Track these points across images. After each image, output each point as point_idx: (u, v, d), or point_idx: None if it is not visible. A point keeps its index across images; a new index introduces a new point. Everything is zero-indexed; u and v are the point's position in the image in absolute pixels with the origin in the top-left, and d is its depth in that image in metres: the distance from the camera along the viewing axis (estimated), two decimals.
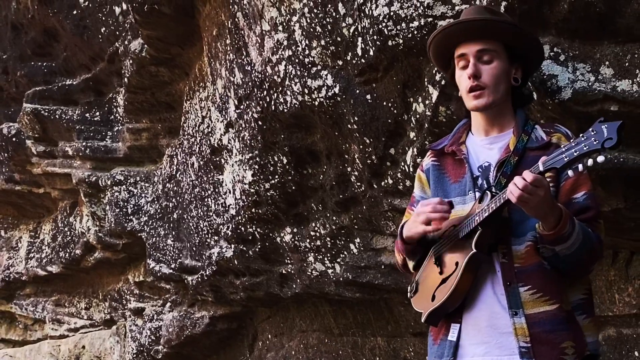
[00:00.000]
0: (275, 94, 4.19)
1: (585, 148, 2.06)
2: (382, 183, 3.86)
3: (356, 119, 3.72)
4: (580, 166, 2.07)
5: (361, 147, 3.82)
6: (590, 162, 2.05)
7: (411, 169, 3.56)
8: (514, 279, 2.28)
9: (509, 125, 2.43)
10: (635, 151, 2.64)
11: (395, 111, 3.51)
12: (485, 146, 2.46)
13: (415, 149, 3.48)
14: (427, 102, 3.27)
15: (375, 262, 4.30)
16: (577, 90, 2.61)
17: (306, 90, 3.91)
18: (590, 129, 2.07)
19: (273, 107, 4.25)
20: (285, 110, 4.14)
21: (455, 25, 2.46)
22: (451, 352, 2.33)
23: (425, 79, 3.23)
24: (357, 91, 3.65)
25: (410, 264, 2.59)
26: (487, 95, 2.38)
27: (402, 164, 3.64)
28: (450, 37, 2.47)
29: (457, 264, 2.34)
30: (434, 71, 3.15)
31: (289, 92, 4.06)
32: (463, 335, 2.34)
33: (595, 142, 2.04)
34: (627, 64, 2.55)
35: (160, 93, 6.40)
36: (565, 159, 2.09)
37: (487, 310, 2.30)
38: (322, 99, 3.85)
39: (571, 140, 2.12)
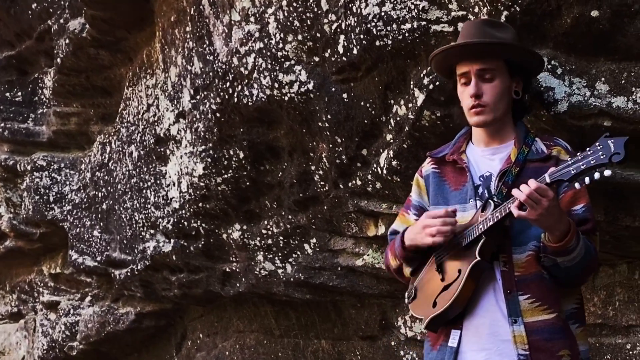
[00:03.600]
0: (240, 86, 4.16)
1: (592, 162, 2.15)
2: (350, 184, 3.89)
3: (329, 117, 3.73)
4: (587, 179, 2.17)
5: (331, 146, 3.84)
6: (597, 175, 2.14)
7: (384, 172, 3.61)
8: (514, 287, 2.36)
9: (510, 137, 2.52)
10: (623, 166, 2.76)
11: (373, 112, 3.55)
12: (486, 157, 2.54)
13: (391, 152, 3.53)
14: (410, 105, 3.32)
15: (332, 263, 4.33)
16: (573, 104, 2.72)
17: (276, 85, 3.90)
18: (597, 144, 2.17)
19: (235, 100, 4.21)
20: (250, 103, 4.11)
21: (455, 47, 2.52)
22: (451, 358, 2.39)
23: (412, 82, 3.28)
24: (333, 89, 3.67)
25: (407, 270, 2.63)
26: (487, 113, 2.47)
27: (374, 165, 3.68)
28: (450, 56, 2.54)
29: (459, 271, 2.40)
30: (421, 74, 3.21)
31: (256, 85, 4.03)
32: (463, 341, 2.40)
33: (602, 157, 2.14)
34: (623, 81, 2.68)
35: (96, 77, 6.21)
36: (572, 172, 2.18)
37: (488, 318, 2.37)
38: (293, 95, 3.84)
39: (578, 154, 2.21)
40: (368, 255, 4.08)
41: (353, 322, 4.57)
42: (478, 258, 2.34)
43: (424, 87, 3.19)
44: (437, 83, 3.13)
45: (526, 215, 2.23)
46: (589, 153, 2.17)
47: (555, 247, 2.29)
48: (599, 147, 2.16)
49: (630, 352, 3.27)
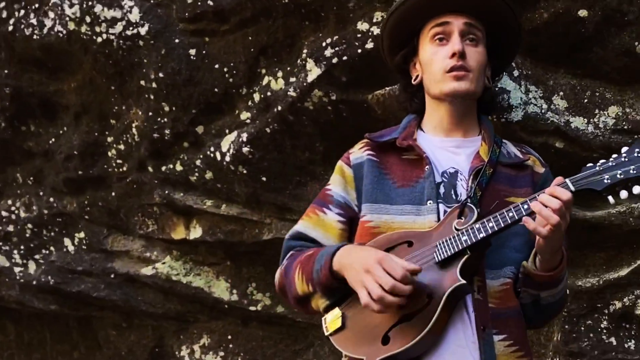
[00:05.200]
0: (24, 11, 3.18)
1: (633, 171, 1.76)
2: (164, 167, 3.12)
3: (161, 75, 2.95)
4: (624, 193, 1.78)
5: (150, 114, 3.05)
6: (638, 189, 1.76)
7: (227, 159, 2.92)
8: (489, 323, 1.87)
9: (474, 131, 2.08)
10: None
11: (230, 79, 2.87)
12: (448, 149, 2.04)
13: (245, 134, 2.86)
14: (293, 79, 2.72)
15: (103, 268, 3.44)
16: (529, 115, 2.38)
17: (88, 19, 3.02)
18: (632, 149, 1.79)
19: (10, 28, 3.22)
20: (36, 37, 3.14)
21: None
22: None
23: (305, 51, 2.68)
24: (177, 40, 2.92)
25: (323, 303, 1.98)
26: (470, 81, 1.98)
27: (212, 148, 2.98)
28: (427, 7, 2.03)
29: (429, 296, 1.84)
30: (324, 43, 2.63)
31: (52, 14, 3.10)
32: None
33: None
34: (585, 100, 2.39)
35: None
36: (607, 181, 1.77)
37: None
38: (112, 37, 3.00)
39: (610, 159, 1.81)
40: (164, 263, 3.30)
41: (110, 346, 3.68)
42: (462, 280, 1.81)
43: (323, 60, 2.62)
44: (345, 58, 2.58)
45: (546, 232, 1.76)
46: (623, 160, 1.77)
47: (546, 276, 1.88)
48: (636, 155, 1.78)
49: None
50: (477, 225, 1.84)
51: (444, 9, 2.00)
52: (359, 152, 2.08)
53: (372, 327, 1.88)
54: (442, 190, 1.96)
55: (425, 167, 1.97)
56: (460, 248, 1.83)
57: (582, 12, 2.28)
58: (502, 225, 1.82)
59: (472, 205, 1.89)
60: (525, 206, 1.80)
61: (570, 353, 2.50)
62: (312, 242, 2.07)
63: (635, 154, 1.76)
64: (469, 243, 1.82)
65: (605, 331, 2.48)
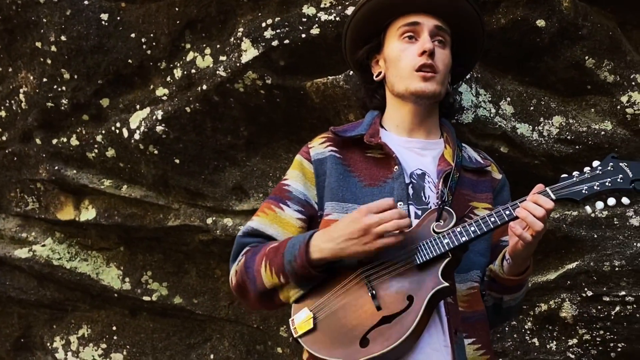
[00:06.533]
0: None
1: (608, 184, 1.86)
2: (55, 140, 2.85)
3: (63, 39, 2.69)
4: (600, 204, 1.87)
5: (45, 80, 2.77)
6: (612, 201, 1.86)
7: (135, 137, 2.72)
8: (460, 327, 1.91)
9: (436, 133, 2.10)
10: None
11: (148, 51, 2.66)
12: (413, 149, 2.05)
13: (160, 112, 2.67)
14: (223, 58, 2.57)
15: None
16: (479, 118, 2.41)
17: None
18: (609, 163, 1.86)
19: None
20: None
21: None
22: None
23: (241, 30, 2.54)
24: (87, 2, 2.67)
25: (296, 294, 1.92)
26: (436, 83, 2.01)
27: (117, 124, 2.75)
28: (397, 4, 2.02)
29: (410, 298, 1.84)
30: (263, 24, 2.50)
31: None
32: None
33: (620, 180, 1.85)
34: (531, 108, 2.47)
35: None
36: (585, 192, 1.85)
37: None
38: None
39: (585, 172, 1.87)
40: (44, 245, 3.02)
41: None
42: (444, 283, 1.82)
43: (262, 41, 2.49)
44: (286, 42, 2.47)
45: (530, 238, 1.81)
46: (598, 173, 1.85)
47: (514, 280, 1.94)
48: (610, 169, 1.86)
49: None
50: (458, 229, 1.85)
51: (415, 8, 2.01)
52: (320, 147, 2.03)
53: (348, 329, 1.85)
54: (411, 191, 1.96)
55: (394, 167, 1.96)
56: (443, 251, 1.84)
57: (540, 22, 2.34)
58: (485, 229, 1.85)
59: (450, 209, 1.90)
60: (507, 212, 1.83)
61: (494, 353, 2.60)
62: (269, 239, 1.99)
63: (609, 168, 1.85)
64: (452, 246, 1.84)
65: (529, 332, 2.61)
